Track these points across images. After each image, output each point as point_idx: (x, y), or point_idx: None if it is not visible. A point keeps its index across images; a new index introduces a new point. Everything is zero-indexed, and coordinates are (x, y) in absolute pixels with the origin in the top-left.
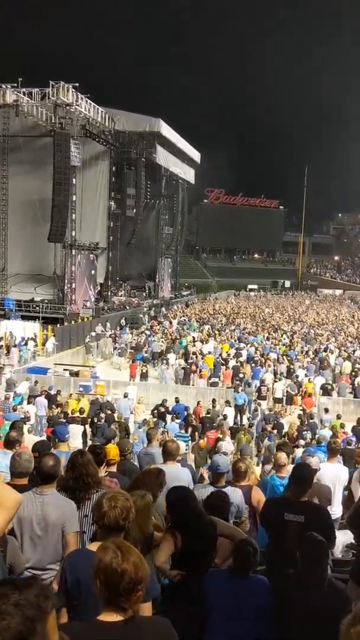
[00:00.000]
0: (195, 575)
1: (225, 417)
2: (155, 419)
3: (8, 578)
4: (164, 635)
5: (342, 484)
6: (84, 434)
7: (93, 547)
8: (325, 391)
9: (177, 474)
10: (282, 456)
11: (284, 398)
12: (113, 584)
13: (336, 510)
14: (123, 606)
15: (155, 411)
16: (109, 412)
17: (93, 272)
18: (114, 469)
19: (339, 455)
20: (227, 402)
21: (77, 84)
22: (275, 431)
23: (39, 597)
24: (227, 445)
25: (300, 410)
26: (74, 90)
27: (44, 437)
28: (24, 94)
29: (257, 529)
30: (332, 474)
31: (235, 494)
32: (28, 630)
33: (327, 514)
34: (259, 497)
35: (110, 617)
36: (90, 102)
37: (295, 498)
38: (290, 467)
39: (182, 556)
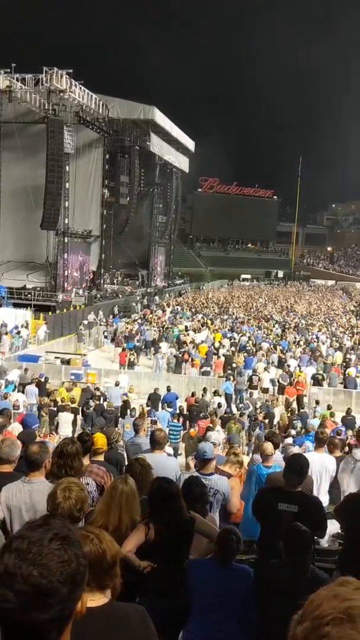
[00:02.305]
0: (169, 569)
1: (219, 405)
2: (148, 408)
3: (48, 521)
4: (141, 619)
5: (328, 473)
6: (74, 422)
7: None
8: (317, 381)
9: (164, 463)
10: (269, 446)
11: (275, 388)
12: (97, 564)
13: (323, 499)
14: (107, 584)
15: (149, 400)
16: (97, 401)
17: (86, 260)
18: (101, 457)
19: (326, 445)
20: (215, 392)
21: (70, 70)
22: (266, 420)
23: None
24: (217, 434)
25: (289, 399)
26: (67, 76)
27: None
28: (17, 79)
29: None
30: (319, 463)
31: (221, 482)
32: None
33: (320, 505)
34: (231, 484)
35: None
36: (84, 88)
37: (290, 488)
38: (277, 457)
39: (153, 549)
